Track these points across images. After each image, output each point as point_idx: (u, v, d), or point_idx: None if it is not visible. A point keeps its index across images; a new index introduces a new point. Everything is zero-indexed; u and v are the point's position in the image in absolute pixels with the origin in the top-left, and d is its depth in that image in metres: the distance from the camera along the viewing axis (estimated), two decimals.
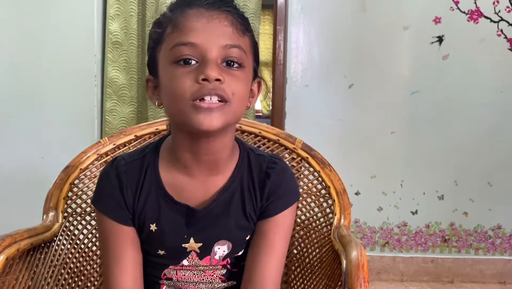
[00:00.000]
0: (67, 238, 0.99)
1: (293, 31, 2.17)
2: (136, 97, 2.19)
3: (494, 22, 2.12)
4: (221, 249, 0.79)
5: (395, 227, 2.24)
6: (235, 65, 0.70)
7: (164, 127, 1.07)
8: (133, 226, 0.77)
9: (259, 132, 1.08)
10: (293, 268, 1.04)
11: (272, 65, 2.28)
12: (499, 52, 2.14)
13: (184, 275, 0.80)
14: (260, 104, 5.14)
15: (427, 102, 2.17)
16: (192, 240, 0.77)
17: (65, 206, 1.00)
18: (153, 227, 0.76)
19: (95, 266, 1.03)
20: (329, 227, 1.01)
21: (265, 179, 0.78)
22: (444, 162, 2.20)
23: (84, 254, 1.01)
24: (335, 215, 1.01)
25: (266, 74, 4.81)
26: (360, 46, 2.16)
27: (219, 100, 0.67)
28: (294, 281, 1.03)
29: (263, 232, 0.78)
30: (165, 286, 0.82)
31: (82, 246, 1.01)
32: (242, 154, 0.80)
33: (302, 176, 1.07)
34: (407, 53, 2.18)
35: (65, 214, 1.00)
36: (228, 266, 0.82)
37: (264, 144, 1.09)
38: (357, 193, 2.21)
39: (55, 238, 0.96)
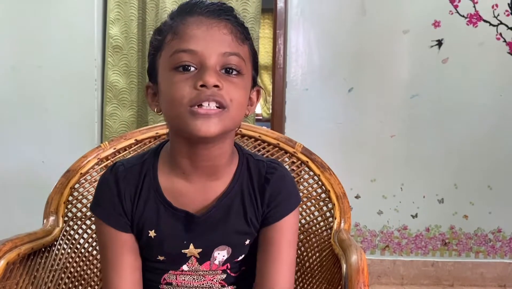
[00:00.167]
0: (67, 242, 0.99)
1: (293, 35, 2.17)
2: (136, 101, 2.19)
3: (493, 25, 2.13)
4: (220, 254, 0.79)
5: (395, 231, 2.24)
6: (234, 72, 0.70)
7: (164, 131, 1.07)
8: (131, 232, 0.77)
9: (259, 136, 1.09)
10: None
11: (272, 69, 2.28)
12: (498, 56, 2.14)
13: (184, 280, 0.80)
14: (260, 108, 5.14)
15: (427, 106, 2.17)
16: (191, 246, 0.77)
17: (66, 210, 1.00)
18: (152, 233, 0.76)
19: (95, 270, 1.03)
20: (329, 231, 1.01)
21: (264, 185, 0.78)
22: (444, 165, 2.20)
23: (84, 259, 1.01)
24: (335, 218, 1.01)
25: (266, 78, 4.81)
26: (359, 50, 2.17)
27: (217, 107, 0.68)
28: (294, 285, 1.03)
29: (268, 239, 0.78)
30: None
31: (83, 250, 1.01)
32: (241, 159, 0.80)
33: (302, 179, 1.07)
34: (406, 57, 2.19)
35: (66, 218, 1.00)
36: (228, 270, 0.82)
37: (264, 148, 1.09)
38: (357, 197, 2.21)
39: (55, 243, 0.96)
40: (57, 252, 0.95)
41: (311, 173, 1.06)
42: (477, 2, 2.11)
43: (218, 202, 0.77)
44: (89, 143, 2.10)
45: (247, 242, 0.80)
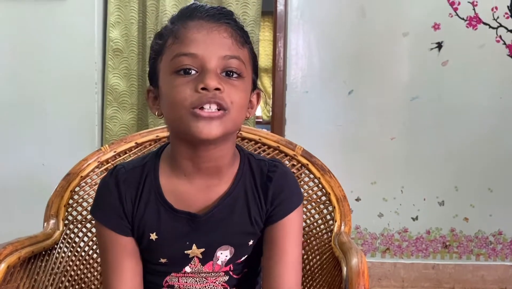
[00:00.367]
0: (67, 245, 0.99)
1: (293, 38, 2.18)
2: (136, 104, 2.19)
3: (493, 28, 2.13)
4: (223, 254, 0.79)
5: (395, 233, 2.24)
6: (234, 75, 0.71)
7: (165, 134, 1.07)
8: (132, 236, 0.77)
9: (259, 139, 1.09)
10: None
11: (272, 71, 2.29)
12: (498, 58, 2.15)
13: (186, 282, 0.80)
14: (261, 110, 5.14)
15: (427, 108, 2.17)
16: (194, 246, 0.77)
17: (66, 213, 1.00)
18: (153, 236, 0.76)
19: (95, 273, 1.03)
20: (329, 233, 1.01)
21: (267, 183, 0.78)
22: (444, 168, 2.20)
23: (84, 262, 1.01)
24: (336, 221, 1.01)
25: (266, 80, 4.82)
26: (359, 52, 2.17)
27: (218, 109, 0.68)
28: None
29: (272, 238, 0.78)
30: None
31: (83, 253, 1.01)
32: (243, 159, 0.81)
33: (302, 182, 1.07)
34: (406, 59, 2.19)
35: (66, 222, 1.00)
36: (231, 272, 0.81)
37: (264, 151, 1.09)
38: (357, 199, 2.21)
39: (55, 246, 0.96)
40: (57, 255, 0.95)
41: (311, 176, 1.06)
42: (476, 5, 2.12)
43: (221, 201, 0.77)
44: (89, 146, 2.10)
45: (251, 242, 0.80)
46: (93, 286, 1.01)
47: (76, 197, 1.02)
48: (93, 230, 1.03)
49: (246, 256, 0.81)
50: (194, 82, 0.68)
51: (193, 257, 0.78)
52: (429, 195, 2.22)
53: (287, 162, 1.07)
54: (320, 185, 1.05)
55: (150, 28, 2.14)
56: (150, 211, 0.76)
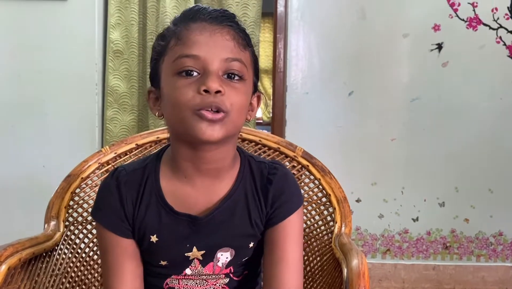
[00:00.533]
0: (68, 247, 0.99)
1: (293, 39, 2.18)
2: (137, 106, 2.19)
3: (493, 29, 2.13)
4: (224, 256, 0.79)
5: (396, 234, 2.24)
6: (236, 77, 0.71)
7: (165, 135, 1.07)
8: (132, 238, 0.77)
9: (260, 140, 1.09)
10: None
11: (272, 73, 2.29)
12: (498, 59, 2.15)
13: (187, 284, 0.80)
14: (261, 112, 5.15)
15: (427, 109, 2.17)
16: (194, 248, 0.77)
17: (67, 215, 1.00)
18: (153, 238, 0.76)
19: (96, 275, 1.03)
20: (330, 235, 1.01)
21: (267, 185, 0.79)
22: (444, 169, 2.20)
23: (85, 263, 1.01)
24: (336, 222, 1.01)
25: (266, 81, 4.82)
26: (360, 53, 2.17)
27: (217, 111, 0.69)
28: None
29: (273, 240, 0.78)
30: None
31: (83, 255, 1.01)
32: (243, 161, 0.81)
33: (302, 183, 1.07)
34: (406, 61, 2.19)
35: (67, 223, 1.00)
36: (231, 274, 0.81)
37: (264, 152, 1.09)
38: (358, 200, 2.21)
39: (56, 247, 0.96)
40: (58, 256, 0.95)
41: (312, 177, 1.06)
42: (476, 6, 2.12)
43: (221, 203, 0.77)
44: (89, 147, 2.10)
45: (251, 244, 0.80)
46: (93, 288, 1.01)
47: (76, 198, 1.02)
48: (94, 231, 1.03)
49: (246, 258, 0.81)
50: (196, 84, 0.69)
51: (194, 259, 0.78)
52: (429, 196, 2.22)
53: (287, 163, 1.07)
54: (320, 186, 1.05)
55: (150, 29, 2.14)
56: (151, 213, 0.76)
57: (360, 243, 2.24)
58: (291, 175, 0.83)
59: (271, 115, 2.45)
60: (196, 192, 0.77)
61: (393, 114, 2.19)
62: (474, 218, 2.22)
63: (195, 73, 0.70)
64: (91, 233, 1.03)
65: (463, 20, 2.13)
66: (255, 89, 0.79)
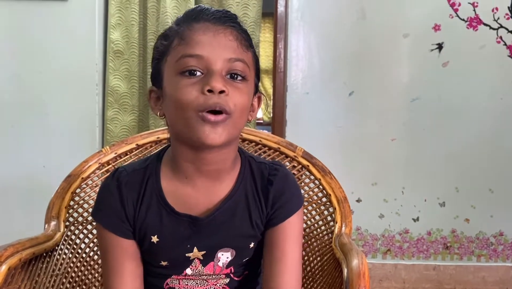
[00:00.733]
0: (68, 247, 0.99)
1: (293, 39, 2.18)
2: (137, 106, 2.20)
3: (494, 29, 2.13)
4: (224, 256, 0.79)
5: (396, 234, 2.24)
6: (239, 78, 0.72)
7: (166, 136, 1.07)
8: (133, 239, 0.77)
9: (260, 140, 1.09)
10: None
11: (273, 73, 2.29)
12: (499, 59, 2.15)
13: (187, 284, 0.80)
14: (261, 112, 5.15)
15: (427, 109, 2.17)
16: (195, 249, 0.77)
17: (67, 215, 1.01)
18: (154, 238, 0.76)
19: (96, 275, 1.03)
20: (330, 235, 1.01)
21: (268, 186, 0.79)
22: (445, 169, 2.20)
23: (85, 263, 1.02)
24: (336, 223, 1.01)
25: (266, 82, 4.82)
26: (360, 53, 2.17)
27: (221, 112, 0.69)
28: None
29: (273, 241, 0.78)
30: None
31: (84, 255, 1.02)
32: (244, 162, 0.81)
33: (303, 184, 1.07)
34: (407, 61, 2.19)
35: (67, 223, 1.00)
36: (231, 274, 0.81)
37: (265, 152, 1.09)
38: (358, 200, 2.21)
39: (56, 247, 0.96)
40: (58, 257, 0.95)
41: (312, 177, 1.06)
42: (477, 6, 2.12)
43: (222, 204, 0.77)
44: (90, 148, 2.10)
45: (252, 245, 0.80)
46: (94, 288, 1.01)
47: (77, 198, 1.02)
48: (94, 231, 1.03)
49: (247, 258, 0.81)
50: (199, 84, 0.69)
51: (194, 259, 0.78)
52: (429, 196, 2.22)
53: (287, 163, 1.07)
54: (320, 186, 1.05)
55: (150, 30, 2.14)
56: (151, 213, 0.76)
57: (361, 243, 2.24)
58: (291, 176, 0.83)
59: (271, 115, 2.45)
60: (197, 192, 0.77)
61: (393, 114, 2.19)
62: (474, 218, 2.22)
63: (198, 73, 0.70)
64: (91, 233, 1.03)
65: (463, 20, 2.13)
66: (256, 90, 0.79)
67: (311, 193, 1.06)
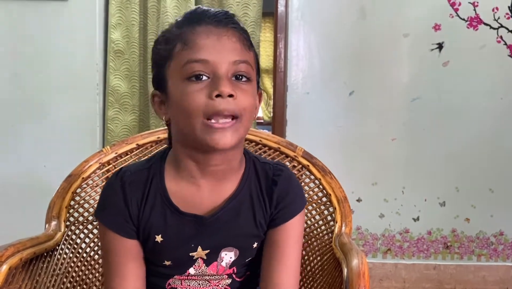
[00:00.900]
0: (69, 247, 0.99)
1: (294, 39, 2.18)
2: (138, 106, 2.20)
3: (494, 28, 2.13)
4: (228, 255, 0.79)
5: (397, 234, 2.24)
6: (244, 79, 0.72)
7: (166, 135, 1.07)
8: (136, 239, 0.77)
9: (260, 140, 1.09)
10: None
11: (273, 73, 2.29)
12: (499, 59, 2.14)
13: (189, 285, 0.80)
14: (262, 111, 5.16)
15: (428, 109, 2.17)
16: (199, 248, 0.78)
17: (67, 215, 1.01)
18: (158, 238, 0.76)
19: (97, 275, 1.03)
20: (330, 234, 1.01)
21: (272, 186, 0.79)
22: (445, 168, 2.20)
23: (86, 263, 1.02)
24: (336, 222, 1.02)
25: (267, 81, 4.82)
26: (360, 53, 2.17)
27: (231, 118, 0.69)
28: None
29: (274, 241, 0.79)
30: None
31: (84, 255, 1.02)
32: (248, 162, 0.81)
33: (303, 183, 1.07)
34: (407, 60, 2.19)
35: (67, 223, 1.01)
36: (234, 275, 0.82)
37: (265, 152, 1.09)
38: (358, 200, 2.21)
39: (57, 247, 0.96)
40: (59, 256, 0.96)
41: (312, 177, 1.06)
42: (477, 5, 2.12)
43: (227, 204, 0.77)
44: (90, 147, 2.10)
45: (255, 245, 0.80)
46: (94, 287, 1.01)
47: (77, 198, 1.02)
48: (95, 231, 1.03)
49: (250, 258, 0.81)
50: (207, 89, 0.69)
51: (198, 258, 0.79)
52: (430, 195, 2.22)
53: (287, 163, 1.07)
54: (320, 186, 1.05)
55: (151, 29, 2.15)
56: (156, 213, 0.76)
57: (361, 242, 2.24)
58: (295, 177, 0.84)
59: (271, 115, 2.45)
60: (202, 192, 0.77)
61: (393, 114, 2.19)
62: (474, 218, 2.22)
63: (204, 77, 0.70)
64: (92, 233, 1.03)
65: (463, 19, 2.13)
66: (257, 87, 0.79)
67: (311, 192, 1.07)
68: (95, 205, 1.02)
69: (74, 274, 0.98)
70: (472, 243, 2.23)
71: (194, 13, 0.74)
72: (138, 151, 1.07)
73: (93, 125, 2.18)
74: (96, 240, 1.03)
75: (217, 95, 0.68)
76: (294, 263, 0.79)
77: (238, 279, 0.82)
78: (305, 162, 1.06)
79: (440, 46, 2.15)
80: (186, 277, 0.80)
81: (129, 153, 1.07)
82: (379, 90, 2.18)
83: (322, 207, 1.05)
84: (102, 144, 2.19)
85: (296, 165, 1.07)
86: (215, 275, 0.80)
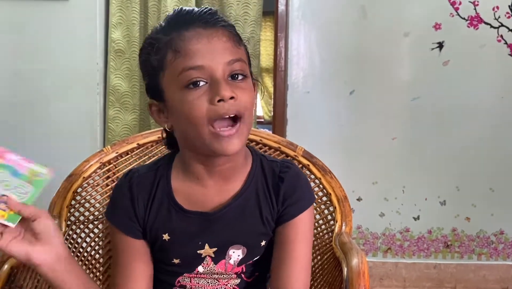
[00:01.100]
0: (70, 246, 0.99)
1: (294, 38, 2.18)
2: (138, 105, 2.20)
3: (494, 28, 2.13)
4: (236, 253, 0.80)
5: (397, 233, 2.24)
6: (240, 77, 0.72)
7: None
8: (143, 239, 0.78)
9: (260, 140, 1.09)
10: None
11: (274, 72, 2.29)
12: (499, 58, 2.14)
13: (198, 283, 0.81)
14: (262, 110, 5.17)
15: (428, 108, 2.17)
16: (207, 246, 0.78)
17: (68, 214, 1.01)
18: (166, 236, 0.78)
19: (98, 274, 1.04)
20: (330, 234, 1.02)
21: (279, 183, 0.79)
22: (445, 168, 2.20)
23: (87, 262, 1.02)
24: (337, 222, 1.02)
25: (267, 80, 4.83)
26: (360, 52, 2.17)
27: (233, 120, 0.70)
28: None
29: (283, 238, 0.79)
30: None
31: (85, 254, 1.02)
32: (255, 160, 0.82)
33: None
34: (407, 60, 2.19)
35: (68, 222, 1.01)
36: (242, 275, 0.82)
37: (265, 152, 1.09)
38: (359, 199, 2.21)
39: None
40: None
41: (312, 176, 1.07)
42: (477, 4, 2.11)
43: (233, 201, 0.78)
44: (91, 147, 2.10)
45: (263, 243, 0.80)
46: None
47: (78, 198, 1.03)
48: (96, 230, 1.04)
49: (258, 256, 0.81)
50: (207, 95, 0.69)
51: (206, 256, 0.79)
52: (430, 194, 2.22)
53: None
54: (321, 186, 1.06)
55: (152, 29, 2.14)
56: (162, 213, 0.78)
57: (361, 241, 2.24)
58: (303, 174, 0.84)
59: (272, 114, 2.45)
60: (208, 191, 0.78)
61: (394, 113, 2.19)
62: (475, 217, 2.22)
63: (202, 83, 0.69)
64: (93, 232, 1.03)
65: (464, 18, 2.13)
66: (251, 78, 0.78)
67: None
68: (96, 205, 1.03)
69: None
70: (473, 242, 2.24)
71: (177, 17, 0.73)
72: (138, 150, 1.08)
73: (94, 124, 2.18)
74: (97, 239, 1.04)
75: (219, 100, 0.68)
76: (304, 259, 0.78)
77: (247, 280, 0.83)
78: (305, 162, 1.07)
79: (440, 45, 2.15)
80: (195, 275, 0.80)
81: (129, 152, 1.07)
82: (379, 89, 2.18)
83: (323, 206, 1.06)
84: (103, 143, 2.19)
85: (296, 164, 1.07)
86: (223, 273, 0.81)
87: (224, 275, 0.81)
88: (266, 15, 3.38)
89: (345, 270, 0.80)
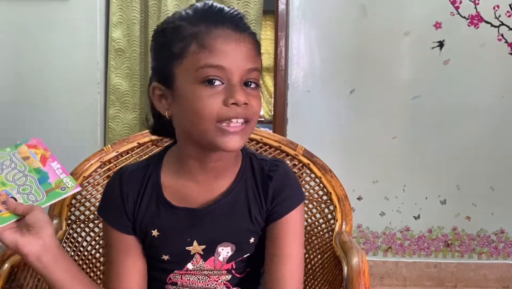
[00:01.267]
0: (70, 245, 1.00)
1: (294, 37, 2.18)
2: (139, 104, 2.20)
3: (495, 26, 2.13)
4: (224, 250, 0.80)
5: (397, 232, 2.24)
6: (253, 85, 0.72)
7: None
8: (134, 234, 0.79)
9: (261, 139, 1.09)
10: None
11: (274, 71, 2.29)
12: (500, 57, 2.14)
13: (189, 280, 0.82)
14: (262, 109, 5.17)
15: (429, 107, 2.17)
16: (195, 243, 0.79)
17: (69, 213, 1.01)
18: (155, 232, 0.79)
19: (98, 272, 1.04)
20: (330, 233, 1.02)
21: (267, 182, 0.80)
22: (446, 167, 2.20)
23: (87, 261, 1.02)
24: (337, 221, 1.02)
25: (267, 79, 4.83)
26: (361, 51, 2.17)
27: (243, 122, 0.71)
28: None
29: (273, 236, 0.79)
30: None
31: (86, 253, 1.02)
32: (245, 158, 0.82)
33: (303, 182, 1.07)
34: (408, 59, 2.19)
35: (69, 222, 1.01)
36: (233, 271, 0.82)
37: (265, 151, 1.09)
38: (359, 198, 2.21)
39: None
40: None
41: (313, 175, 1.07)
42: (478, 3, 2.11)
43: (221, 198, 0.78)
44: (91, 146, 2.11)
45: (252, 240, 0.81)
46: None
47: (78, 197, 1.03)
48: (96, 229, 1.04)
49: (248, 254, 0.82)
50: (222, 96, 0.69)
51: (195, 254, 0.80)
52: (431, 193, 2.22)
53: (288, 162, 1.08)
54: (321, 185, 1.06)
55: (152, 28, 2.14)
56: (151, 209, 0.79)
57: (362, 240, 2.24)
58: (292, 172, 0.84)
59: (272, 113, 2.45)
60: (198, 188, 0.78)
61: (394, 112, 2.19)
62: (475, 216, 2.22)
63: (217, 83, 0.69)
64: (93, 231, 1.04)
65: (464, 17, 2.13)
66: None
67: (311, 191, 1.07)
68: (97, 204, 1.03)
69: None
70: (473, 241, 2.24)
71: (209, 11, 0.72)
72: (139, 149, 1.08)
73: (94, 124, 2.18)
74: (97, 238, 1.04)
75: (233, 103, 0.68)
76: (296, 257, 0.79)
77: (238, 275, 0.83)
78: (305, 161, 1.07)
79: (441, 44, 2.14)
80: (186, 272, 0.81)
81: (130, 152, 1.07)
82: (380, 88, 2.18)
83: (323, 205, 1.06)
84: (103, 143, 2.20)
85: (296, 163, 1.08)
86: (213, 270, 0.81)
87: (215, 272, 0.81)
88: (267, 14, 3.38)
89: (345, 269, 0.80)
